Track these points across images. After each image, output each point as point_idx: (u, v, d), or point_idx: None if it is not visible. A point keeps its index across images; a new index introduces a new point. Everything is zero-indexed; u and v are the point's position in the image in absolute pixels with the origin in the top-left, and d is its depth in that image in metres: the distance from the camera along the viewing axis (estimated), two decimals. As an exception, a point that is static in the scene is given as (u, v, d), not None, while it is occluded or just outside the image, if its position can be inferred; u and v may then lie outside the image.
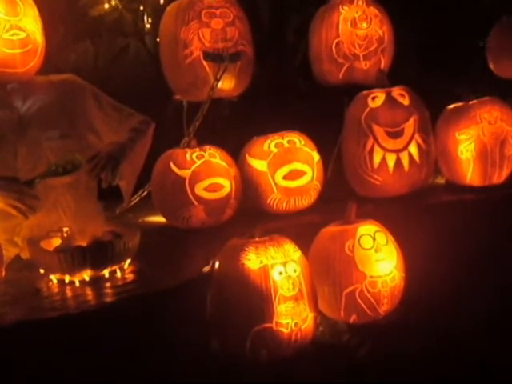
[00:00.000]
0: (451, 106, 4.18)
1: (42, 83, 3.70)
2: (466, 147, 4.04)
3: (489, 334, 3.56)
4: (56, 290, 3.05)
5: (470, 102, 4.11)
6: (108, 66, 4.52)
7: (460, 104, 4.15)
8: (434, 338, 3.50)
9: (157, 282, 3.09)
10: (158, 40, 4.25)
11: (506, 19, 4.77)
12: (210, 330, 3.17)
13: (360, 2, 4.23)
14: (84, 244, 3.17)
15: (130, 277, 3.15)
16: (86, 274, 3.07)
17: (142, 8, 4.67)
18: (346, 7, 4.21)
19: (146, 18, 4.65)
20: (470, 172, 4.09)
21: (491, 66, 4.80)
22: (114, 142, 3.66)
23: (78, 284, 3.07)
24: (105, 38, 4.52)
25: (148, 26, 4.63)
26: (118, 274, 3.16)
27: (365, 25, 4.20)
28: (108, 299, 2.93)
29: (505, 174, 4.14)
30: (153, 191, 3.84)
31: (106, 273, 3.13)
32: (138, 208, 4.07)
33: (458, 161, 4.10)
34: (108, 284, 3.07)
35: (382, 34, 4.26)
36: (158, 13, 4.36)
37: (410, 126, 3.92)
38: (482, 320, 3.59)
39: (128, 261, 3.23)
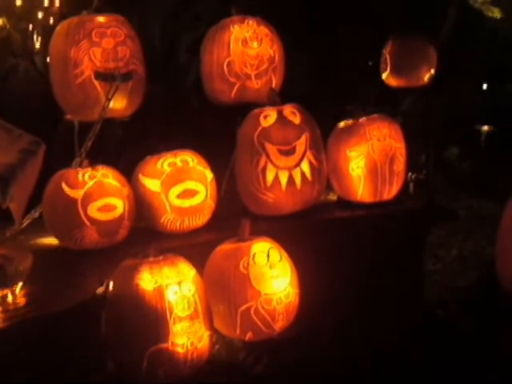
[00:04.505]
0: (341, 124, 4.25)
1: None
2: (357, 164, 4.12)
3: (380, 347, 3.64)
4: None
5: (360, 120, 4.19)
6: (-4, 86, 4.44)
7: (350, 121, 4.22)
8: (329, 353, 3.55)
9: (50, 304, 3.04)
10: (48, 60, 4.20)
11: (398, 36, 4.87)
12: (106, 352, 3.13)
13: (251, 22, 4.26)
14: (-27, 268, 3.10)
15: (21, 301, 3.08)
16: (-24, 299, 3.01)
17: (31, 27, 4.61)
18: (236, 27, 4.23)
19: (35, 37, 4.58)
20: (360, 188, 4.16)
21: (386, 78, 4.85)
22: (4, 163, 3.59)
23: (-33, 309, 3.00)
24: (-8, 57, 4.45)
25: (38, 45, 4.57)
26: (10, 298, 3.08)
27: (256, 44, 4.23)
28: (-1, 324, 2.87)
29: (395, 189, 4.23)
30: (44, 212, 3.77)
31: (-4, 297, 3.07)
32: (30, 230, 3.98)
33: (349, 177, 4.17)
34: (-1, 309, 3.01)
35: (272, 54, 4.29)
36: (47, 32, 4.31)
37: (301, 143, 3.97)
38: (374, 334, 3.66)
39: (20, 284, 3.15)
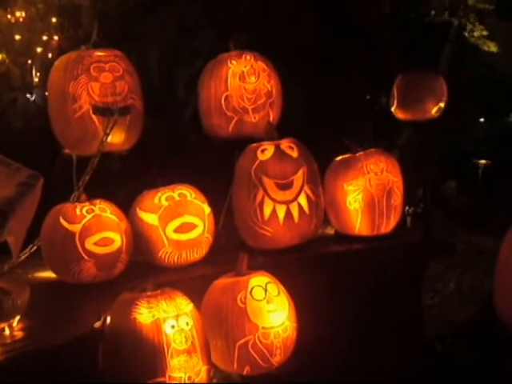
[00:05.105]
0: (339, 158, 4.26)
1: None
2: (354, 198, 4.12)
3: (379, 381, 3.62)
4: None
5: (357, 154, 4.20)
6: (-5, 120, 4.46)
7: (347, 156, 4.23)
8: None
9: (47, 338, 3.03)
10: (46, 94, 4.22)
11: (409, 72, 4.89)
12: (103, 387, 3.12)
13: (248, 57, 4.29)
14: (-30, 302, 3.09)
15: (19, 334, 3.07)
16: (-27, 333, 3.00)
17: (30, 62, 4.65)
18: (234, 61, 4.26)
19: (34, 72, 4.61)
20: (358, 222, 4.16)
21: (394, 111, 4.85)
22: (2, 196, 3.59)
23: (-36, 343, 2.99)
24: (-9, 92, 4.47)
25: (36, 80, 4.59)
26: (7, 331, 3.08)
27: (253, 79, 4.25)
28: (-4, 358, 2.86)
29: (392, 223, 4.23)
30: (42, 246, 3.77)
31: (-7, 331, 3.06)
32: (28, 264, 3.98)
33: (346, 211, 4.17)
34: (-4, 342, 3.00)
35: (270, 88, 4.31)
36: (46, 67, 4.33)
37: (299, 177, 3.98)
38: (372, 367, 3.64)
39: (17, 318, 3.15)
